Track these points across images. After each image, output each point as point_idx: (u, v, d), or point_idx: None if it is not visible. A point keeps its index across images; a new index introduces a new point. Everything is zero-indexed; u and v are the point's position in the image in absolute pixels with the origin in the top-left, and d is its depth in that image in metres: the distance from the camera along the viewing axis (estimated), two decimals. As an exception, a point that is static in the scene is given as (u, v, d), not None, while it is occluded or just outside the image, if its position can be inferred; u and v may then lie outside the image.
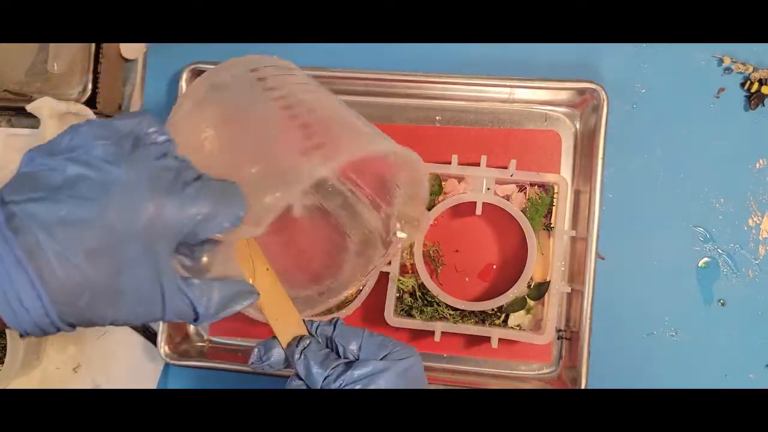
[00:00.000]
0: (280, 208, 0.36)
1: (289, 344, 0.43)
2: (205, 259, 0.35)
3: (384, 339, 0.43)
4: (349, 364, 0.41)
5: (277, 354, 0.43)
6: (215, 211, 0.32)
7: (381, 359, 0.41)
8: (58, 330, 0.30)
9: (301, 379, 0.42)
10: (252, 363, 0.44)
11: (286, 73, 0.43)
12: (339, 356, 0.43)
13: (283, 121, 0.37)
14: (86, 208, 0.29)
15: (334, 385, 0.40)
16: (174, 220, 0.31)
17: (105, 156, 0.30)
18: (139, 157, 0.31)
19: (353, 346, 0.42)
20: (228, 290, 0.34)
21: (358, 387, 0.40)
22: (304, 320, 0.44)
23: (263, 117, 0.38)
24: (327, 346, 0.43)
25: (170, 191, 0.31)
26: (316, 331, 0.44)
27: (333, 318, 0.44)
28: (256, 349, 0.44)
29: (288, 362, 0.43)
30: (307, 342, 0.43)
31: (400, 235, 0.53)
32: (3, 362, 0.61)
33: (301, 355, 0.42)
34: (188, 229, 0.31)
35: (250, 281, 0.43)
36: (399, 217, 0.53)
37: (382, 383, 0.40)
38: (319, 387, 0.41)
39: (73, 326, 0.31)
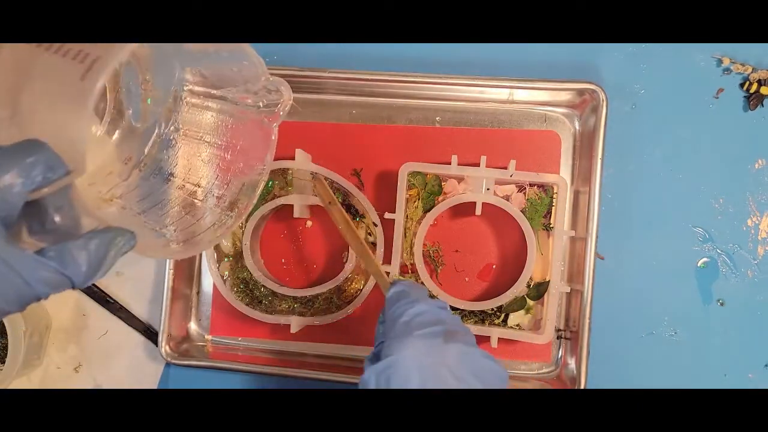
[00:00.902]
0: (88, 136, 0.35)
1: None
2: (57, 219, 0.33)
3: (411, 321, 0.41)
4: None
5: None
6: (19, 172, 0.30)
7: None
8: None
9: None
10: None
11: None
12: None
13: (52, 59, 0.36)
14: None
15: None
16: None
17: None
18: None
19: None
20: (94, 243, 0.32)
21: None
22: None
23: (30, 62, 0.37)
24: None
25: None
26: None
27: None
28: None
29: None
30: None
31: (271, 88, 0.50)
32: (4, 362, 0.61)
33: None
34: None
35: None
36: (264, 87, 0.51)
37: (367, 381, 0.39)
38: None
39: None
